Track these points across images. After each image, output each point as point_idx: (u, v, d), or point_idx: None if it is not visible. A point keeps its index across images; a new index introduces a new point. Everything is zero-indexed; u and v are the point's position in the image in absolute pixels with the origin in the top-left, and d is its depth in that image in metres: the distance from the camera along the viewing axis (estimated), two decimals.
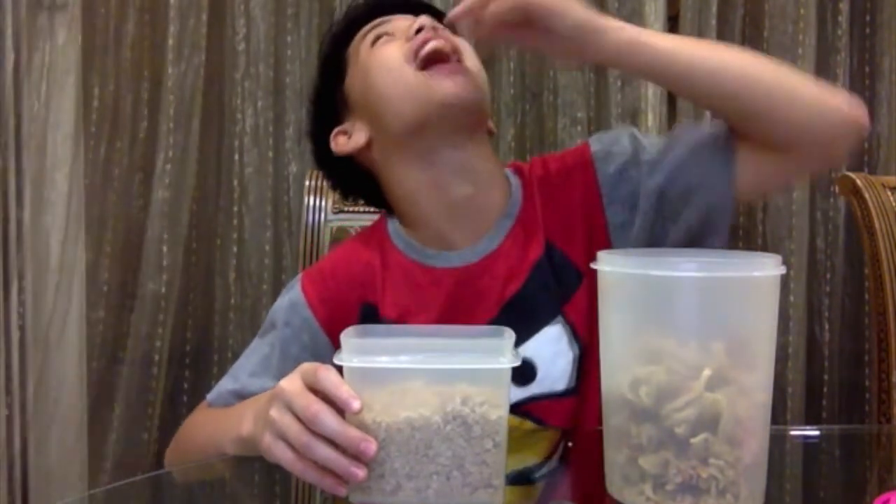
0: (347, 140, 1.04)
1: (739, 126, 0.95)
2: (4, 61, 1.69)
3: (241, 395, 0.97)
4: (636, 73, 0.87)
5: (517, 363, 0.68)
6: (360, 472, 0.68)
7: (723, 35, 1.81)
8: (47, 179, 1.72)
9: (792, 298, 1.77)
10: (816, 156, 0.96)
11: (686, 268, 0.67)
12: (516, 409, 0.96)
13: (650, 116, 1.75)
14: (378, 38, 1.00)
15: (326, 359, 0.98)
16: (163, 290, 1.74)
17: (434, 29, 0.96)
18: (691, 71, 0.91)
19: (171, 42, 1.73)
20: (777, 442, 1.06)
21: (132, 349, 1.74)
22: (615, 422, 0.70)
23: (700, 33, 1.79)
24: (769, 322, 0.68)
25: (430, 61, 0.95)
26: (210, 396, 1.01)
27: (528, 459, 0.87)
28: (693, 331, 0.67)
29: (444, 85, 0.94)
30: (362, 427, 0.68)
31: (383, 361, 0.69)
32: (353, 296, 1.01)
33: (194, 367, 1.79)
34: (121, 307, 1.78)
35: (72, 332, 1.74)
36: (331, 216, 1.35)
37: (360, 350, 0.70)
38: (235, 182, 1.77)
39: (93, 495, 1.22)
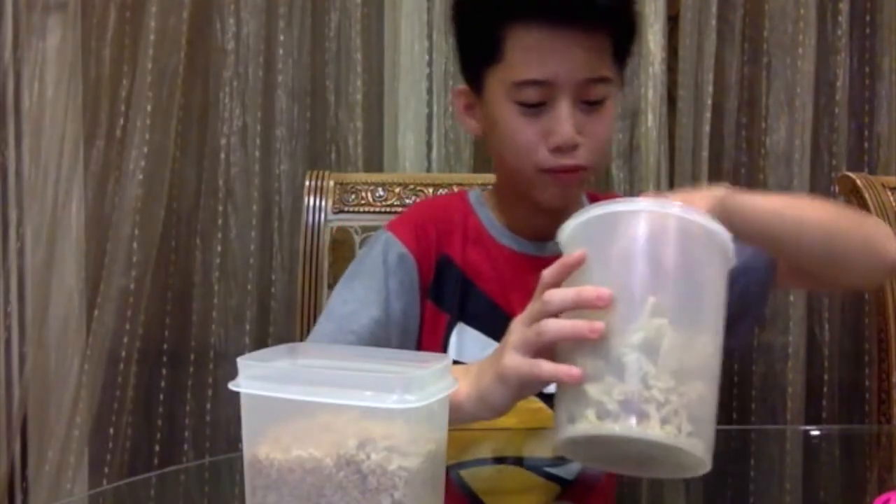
0: (465, 108, 1.07)
1: (802, 267, 0.99)
2: (3, 60, 1.69)
3: (351, 331, 1.00)
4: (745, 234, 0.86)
5: (416, 404, 0.57)
6: (599, 325, 0.66)
7: (723, 35, 1.81)
8: (48, 179, 1.72)
9: (792, 298, 1.77)
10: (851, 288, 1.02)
11: (636, 204, 0.70)
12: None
13: (650, 116, 1.74)
14: (525, 104, 0.97)
15: (418, 295, 1.04)
16: (132, 286, 1.70)
17: (573, 148, 0.97)
18: (800, 232, 0.92)
19: (152, 38, 1.69)
20: (777, 442, 1.06)
21: (141, 349, 1.73)
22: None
23: (700, 33, 1.79)
24: (718, 281, 0.71)
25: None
26: (316, 338, 1.01)
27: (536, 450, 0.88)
28: (644, 266, 0.68)
29: (556, 195, 1.00)
30: (255, 461, 0.60)
31: (272, 389, 0.59)
32: (435, 244, 1.06)
33: (171, 366, 1.77)
34: (130, 308, 1.75)
35: (71, 332, 1.74)
36: (331, 216, 1.35)
37: (257, 375, 0.61)
38: (221, 182, 1.74)
39: (93, 495, 1.22)
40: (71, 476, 1.71)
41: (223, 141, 1.74)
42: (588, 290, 0.67)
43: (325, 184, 1.37)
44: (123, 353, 1.73)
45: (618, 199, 0.72)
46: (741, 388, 1.81)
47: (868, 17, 1.84)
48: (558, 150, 0.96)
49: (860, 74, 1.85)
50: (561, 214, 1.06)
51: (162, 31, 1.70)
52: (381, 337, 1.00)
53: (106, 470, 1.72)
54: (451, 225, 1.07)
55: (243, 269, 1.75)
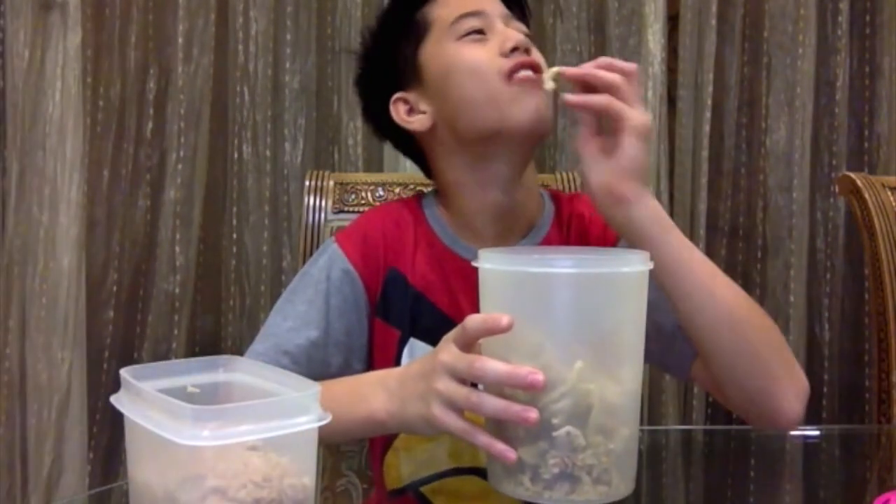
0: (408, 113, 1.05)
1: (710, 365, 0.93)
2: (6, 61, 1.69)
3: (286, 351, 0.98)
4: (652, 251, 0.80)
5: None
6: (533, 415, 0.67)
7: (723, 35, 1.81)
8: (50, 181, 1.72)
9: (792, 298, 1.77)
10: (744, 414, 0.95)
11: (560, 264, 0.69)
12: None
13: (650, 116, 1.74)
14: (468, 33, 1.00)
15: (364, 312, 1.01)
16: (176, 290, 1.74)
17: (528, 50, 0.99)
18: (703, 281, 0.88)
19: (180, 41, 1.73)
20: (777, 442, 1.06)
21: (147, 350, 1.75)
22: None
23: (700, 33, 1.79)
24: (638, 315, 0.71)
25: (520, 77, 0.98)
26: (251, 356, 0.99)
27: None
28: (567, 325, 0.70)
29: (529, 105, 0.97)
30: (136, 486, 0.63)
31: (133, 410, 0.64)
32: (383, 259, 1.03)
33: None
34: (132, 308, 1.78)
35: (76, 333, 1.73)
36: (331, 216, 1.35)
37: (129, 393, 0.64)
38: (235, 182, 1.77)
39: (93, 495, 1.22)
40: (71, 475, 1.71)
41: (235, 141, 1.76)
42: (522, 373, 0.67)
43: (325, 184, 1.37)
44: (135, 354, 1.74)
45: (541, 255, 0.72)
46: None
47: (868, 17, 1.84)
48: (516, 49, 0.98)
49: (860, 74, 1.85)
50: (506, 218, 1.03)
51: (190, 34, 1.74)
52: (318, 358, 0.99)
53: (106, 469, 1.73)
54: (402, 235, 1.05)
55: (256, 271, 1.77)
